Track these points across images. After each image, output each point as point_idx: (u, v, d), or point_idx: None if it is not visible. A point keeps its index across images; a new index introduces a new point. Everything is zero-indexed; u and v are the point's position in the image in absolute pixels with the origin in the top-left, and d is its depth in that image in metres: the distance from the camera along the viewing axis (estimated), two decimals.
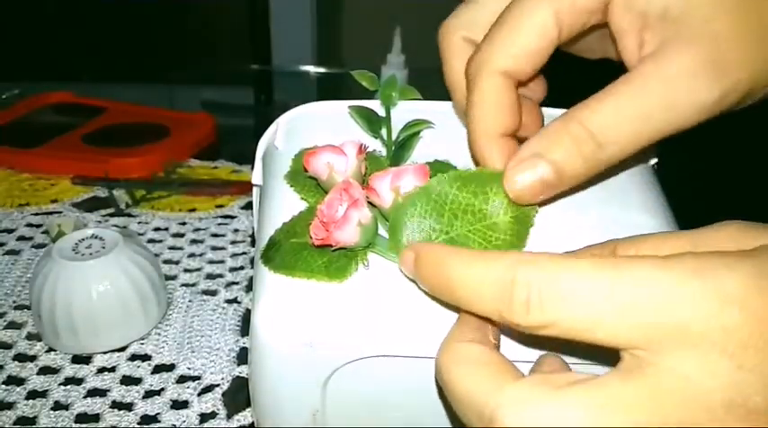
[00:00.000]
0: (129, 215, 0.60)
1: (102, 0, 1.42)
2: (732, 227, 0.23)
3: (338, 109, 0.35)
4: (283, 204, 0.31)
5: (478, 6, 0.30)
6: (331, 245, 0.27)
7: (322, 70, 1.08)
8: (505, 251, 0.26)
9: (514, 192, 0.26)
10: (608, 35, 0.29)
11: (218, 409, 0.40)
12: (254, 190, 0.37)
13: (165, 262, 0.54)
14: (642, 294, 0.19)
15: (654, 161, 0.34)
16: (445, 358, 0.22)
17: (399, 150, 0.32)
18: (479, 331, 0.23)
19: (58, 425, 0.39)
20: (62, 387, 0.42)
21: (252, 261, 0.54)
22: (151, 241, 0.57)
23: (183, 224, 0.59)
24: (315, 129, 0.34)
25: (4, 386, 0.42)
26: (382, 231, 0.29)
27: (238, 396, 0.41)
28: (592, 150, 0.25)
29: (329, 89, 1.06)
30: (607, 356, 0.21)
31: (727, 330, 0.18)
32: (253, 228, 0.59)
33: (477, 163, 0.29)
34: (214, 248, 0.56)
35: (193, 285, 0.51)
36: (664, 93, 0.24)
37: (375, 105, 0.33)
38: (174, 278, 0.52)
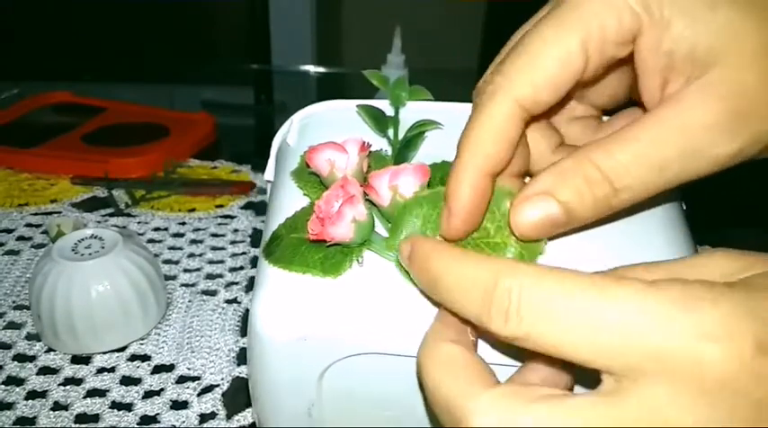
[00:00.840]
0: (129, 215, 0.60)
1: (103, 0, 1.42)
2: (718, 255, 0.22)
3: (352, 107, 0.35)
4: (289, 200, 0.31)
5: (538, 62, 0.25)
6: (326, 241, 0.27)
7: (322, 70, 1.08)
8: (497, 257, 0.25)
9: (519, 229, 0.25)
10: (624, 78, 0.29)
11: (217, 409, 0.40)
12: (268, 186, 0.37)
13: (165, 262, 0.54)
14: (621, 317, 0.19)
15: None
16: (424, 357, 0.23)
17: (404, 150, 0.32)
18: (459, 330, 0.23)
19: (58, 425, 0.39)
20: (62, 388, 0.42)
21: (251, 260, 0.54)
22: (151, 241, 0.57)
23: (183, 224, 0.59)
24: (328, 127, 0.34)
25: (3, 386, 0.42)
26: (381, 229, 0.29)
27: (238, 396, 0.41)
28: (605, 194, 0.24)
29: (329, 89, 1.06)
30: (588, 377, 0.20)
31: (703, 366, 0.18)
32: (253, 229, 0.59)
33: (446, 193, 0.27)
34: (214, 248, 0.56)
35: (193, 285, 0.51)
36: (682, 142, 0.23)
37: (385, 105, 0.34)
38: (173, 278, 0.52)
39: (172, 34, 1.46)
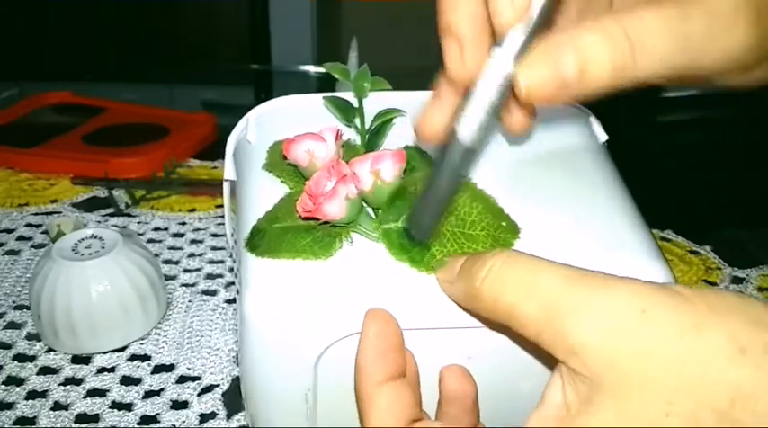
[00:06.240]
0: (129, 215, 0.60)
1: (102, 0, 1.42)
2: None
3: (304, 102, 0.36)
4: (263, 194, 0.32)
5: None
6: (317, 219, 0.28)
7: (322, 70, 1.08)
8: None
9: (527, 86, 0.23)
10: None
11: (217, 409, 0.40)
12: (225, 185, 0.38)
13: (165, 262, 0.54)
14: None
15: (604, 139, 0.36)
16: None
17: (374, 137, 0.33)
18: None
19: (58, 425, 0.39)
20: (62, 388, 0.42)
21: None
22: (151, 241, 0.57)
23: (183, 224, 0.59)
24: (285, 123, 0.35)
25: (3, 386, 0.42)
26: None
27: (238, 396, 0.41)
28: (623, 52, 0.22)
29: (329, 89, 1.06)
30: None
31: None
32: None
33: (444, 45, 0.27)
34: (214, 248, 0.56)
35: (193, 285, 0.51)
36: (707, 21, 0.22)
37: (347, 97, 0.35)
38: (173, 278, 0.52)
39: (172, 34, 1.46)
